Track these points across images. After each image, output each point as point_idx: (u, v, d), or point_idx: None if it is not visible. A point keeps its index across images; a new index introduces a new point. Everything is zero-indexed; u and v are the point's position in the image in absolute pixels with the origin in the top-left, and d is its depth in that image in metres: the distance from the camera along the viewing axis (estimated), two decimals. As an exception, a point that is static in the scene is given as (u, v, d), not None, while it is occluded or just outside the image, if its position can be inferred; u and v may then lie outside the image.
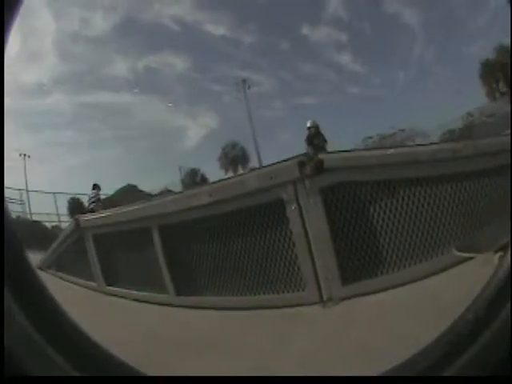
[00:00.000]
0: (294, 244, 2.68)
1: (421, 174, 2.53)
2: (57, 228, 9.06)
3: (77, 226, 3.69)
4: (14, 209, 9.60)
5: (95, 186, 9.04)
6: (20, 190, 10.04)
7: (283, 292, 2.83)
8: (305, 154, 2.49)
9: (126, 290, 3.48)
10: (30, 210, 9.76)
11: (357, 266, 2.75)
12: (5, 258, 0.67)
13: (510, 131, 4.74)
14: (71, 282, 4.22)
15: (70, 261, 4.13)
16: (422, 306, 2.18)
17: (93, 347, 0.79)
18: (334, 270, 2.67)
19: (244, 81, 17.67)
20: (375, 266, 2.75)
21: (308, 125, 7.93)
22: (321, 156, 2.47)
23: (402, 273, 2.69)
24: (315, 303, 2.74)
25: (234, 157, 18.91)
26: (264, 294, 2.84)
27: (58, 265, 4.44)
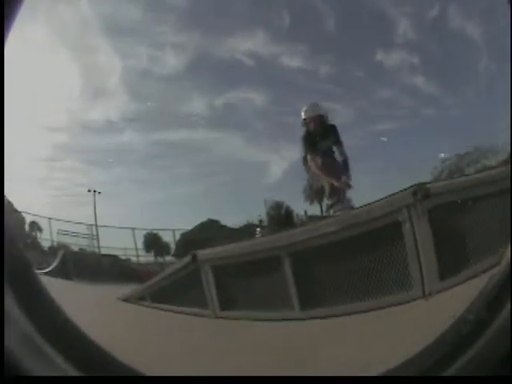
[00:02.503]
0: (406, 254, 3.43)
1: (495, 189, 3.40)
2: (128, 261, 9.12)
3: (193, 259, 4.13)
4: (83, 243, 9.67)
5: (261, 223, 9.02)
6: (91, 225, 10.00)
7: (395, 293, 3.57)
8: (416, 185, 3.24)
9: (244, 312, 4.00)
10: (98, 244, 9.73)
11: (450, 264, 3.56)
12: (5, 258, 0.67)
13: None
14: (174, 312, 4.60)
15: (175, 292, 4.49)
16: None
17: (93, 347, 0.80)
18: (434, 269, 3.46)
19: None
20: (462, 263, 3.59)
21: (302, 115, 4.51)
22: (428, 185, 3.25)
23: (478, 265, 3.55)
24: (420, 298, 3.53)
25: (318, 188, 18.56)
26: (381, 296, 3.55)
27: (154, 297, 4.77)
